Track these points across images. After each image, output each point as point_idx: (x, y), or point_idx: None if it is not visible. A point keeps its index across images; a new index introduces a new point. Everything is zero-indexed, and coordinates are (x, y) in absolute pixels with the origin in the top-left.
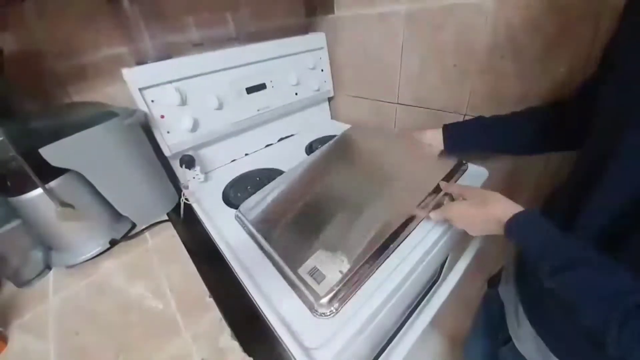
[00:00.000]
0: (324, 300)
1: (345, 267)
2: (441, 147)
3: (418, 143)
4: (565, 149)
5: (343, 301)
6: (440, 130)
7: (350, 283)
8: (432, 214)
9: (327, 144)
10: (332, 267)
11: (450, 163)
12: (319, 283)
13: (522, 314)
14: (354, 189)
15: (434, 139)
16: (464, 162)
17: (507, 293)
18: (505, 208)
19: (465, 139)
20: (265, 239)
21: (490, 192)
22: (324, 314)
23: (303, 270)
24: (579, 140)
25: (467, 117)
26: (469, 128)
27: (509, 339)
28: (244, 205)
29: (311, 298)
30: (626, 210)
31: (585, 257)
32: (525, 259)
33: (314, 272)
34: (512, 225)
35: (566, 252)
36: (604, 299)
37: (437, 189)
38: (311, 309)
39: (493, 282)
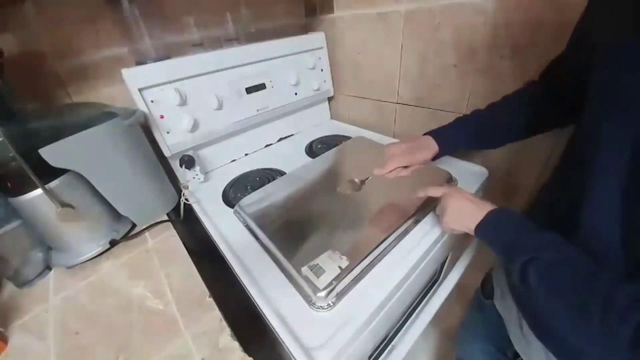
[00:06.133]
0: (322, 293)
1: (344, 263)
2: (435, 149)
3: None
4: (545, 129)
5: (341, 296)
6: (429, 138)
7: (349, 279)
8: (432, 188)
9: (331, 150)
10: (331, 262)
11: (442, 175)
12: (318, 277)
13: (528, 331)
14: (355, 192)
15: (428, 146)
16: (453, 178)
17: (506, 310)
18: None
19: (457, 144)
20: (265, 232)
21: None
22: (321, 307)
23: (302, 264)
24: (554, 118)
25: None
26: (457, 132)
27: (517, 355)
28: (244, 201)
29: (309, 291)
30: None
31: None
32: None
33: (314, 267)
34: (482, 224)
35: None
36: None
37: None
38: (309, 302)
39: (487, 291)
